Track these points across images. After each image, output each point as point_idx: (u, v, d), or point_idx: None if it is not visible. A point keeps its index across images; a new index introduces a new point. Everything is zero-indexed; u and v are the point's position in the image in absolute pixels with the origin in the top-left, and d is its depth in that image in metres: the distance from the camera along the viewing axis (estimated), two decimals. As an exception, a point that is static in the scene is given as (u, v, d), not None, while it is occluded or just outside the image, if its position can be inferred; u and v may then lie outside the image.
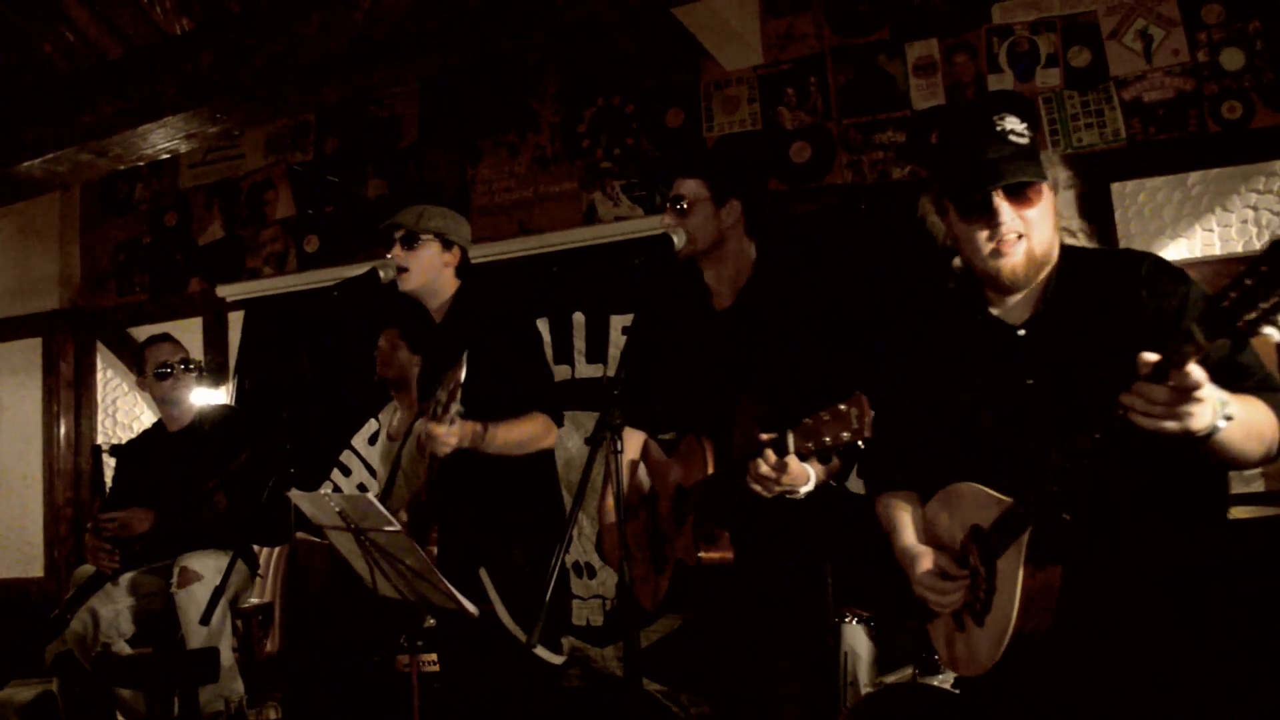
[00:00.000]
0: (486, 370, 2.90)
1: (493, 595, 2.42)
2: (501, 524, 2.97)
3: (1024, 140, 1.88)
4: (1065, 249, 1.96)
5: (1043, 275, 1.94)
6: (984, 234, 1.89)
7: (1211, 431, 1.56)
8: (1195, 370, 1.46)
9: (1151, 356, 1.51)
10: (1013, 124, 1.89)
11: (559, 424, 3.05)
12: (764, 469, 2.16)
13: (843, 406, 1.98)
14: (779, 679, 2.61)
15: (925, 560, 1.96)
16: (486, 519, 2.93)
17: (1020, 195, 1.87)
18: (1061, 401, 1.83)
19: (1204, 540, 1.85)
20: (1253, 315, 1.33)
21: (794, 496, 2.30)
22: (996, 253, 1.88)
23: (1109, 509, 1.81)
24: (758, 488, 2.22)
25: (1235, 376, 1.69)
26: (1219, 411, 1.56)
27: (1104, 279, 1.92)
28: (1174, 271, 1.90)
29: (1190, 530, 1.84)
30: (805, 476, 2.27)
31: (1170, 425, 1.53)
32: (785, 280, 2.67)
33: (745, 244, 2.70)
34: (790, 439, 2.09)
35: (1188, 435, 1.55)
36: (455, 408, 2.53)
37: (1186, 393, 1.49)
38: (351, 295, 3.01)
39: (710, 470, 2.45)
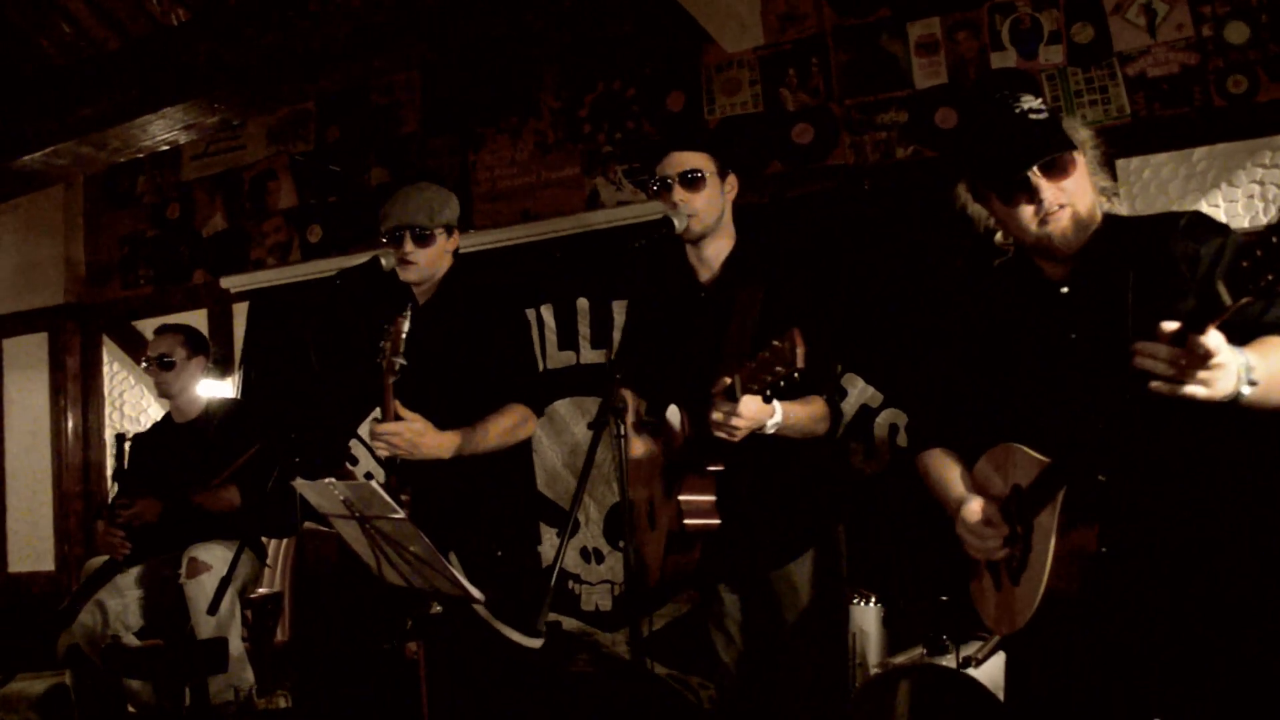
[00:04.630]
0: (468, 357, 2.89)
1: (463, 579, 2.43)
2: (472, 510, 2.97)
3: (1043, 115, 1.94)
4: (1108, 215, 2.00)
5: (1088, 235, 1.98)
6: (1029, 210, 1.94)
7: (1235, 398, 1.55)
8: (1213, 336, 1.45)
9: (1172, 325, 1.50)
10: (1030, 102, 1.96)
11: (539, 414, 3.04)
12: (717, 415, 2.29)
13: (777, 343, 2.08)
14: (787, 656, 2.62)
15: (973, 505, 1.99)
16: (456, 505, 2.93)
17: (1055, 169, 1.92)
18: (1103, 354, 1.83)
19: (1259, 514, 1.84)
20: (1276, 275, 1.31)
21: (764, 432, 2.38)
22: (1043, 223, 1.93)
23: (1149, 473, 1.81)
24: (722, 434, 2.31)
25: (1260, 325, 1.69)
26: (1243, 377, 1.54)
27: (1145, 234, 1.95)
28: (1212, 222, 1.91)
29: (1243, 501, 1.83)
30: (769, 412, 2.35)
31: (1192, 390, 1.51)
32: (763, 255, 2.71)
33: (732, 221, 2.76)
34: (737, 382, 2.20)
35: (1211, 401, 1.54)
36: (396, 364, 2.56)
37: (1206, 358, 1.47)
38: (354, 284, 3.00)
39: (687, 435, 2.54)
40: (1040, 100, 1.96)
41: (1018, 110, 1.94)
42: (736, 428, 2.29)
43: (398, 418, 2.71)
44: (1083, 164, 1.96)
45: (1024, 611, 1.85)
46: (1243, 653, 1.76)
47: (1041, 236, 1.94)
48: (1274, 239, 1.31)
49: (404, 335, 2.56)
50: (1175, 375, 1.51)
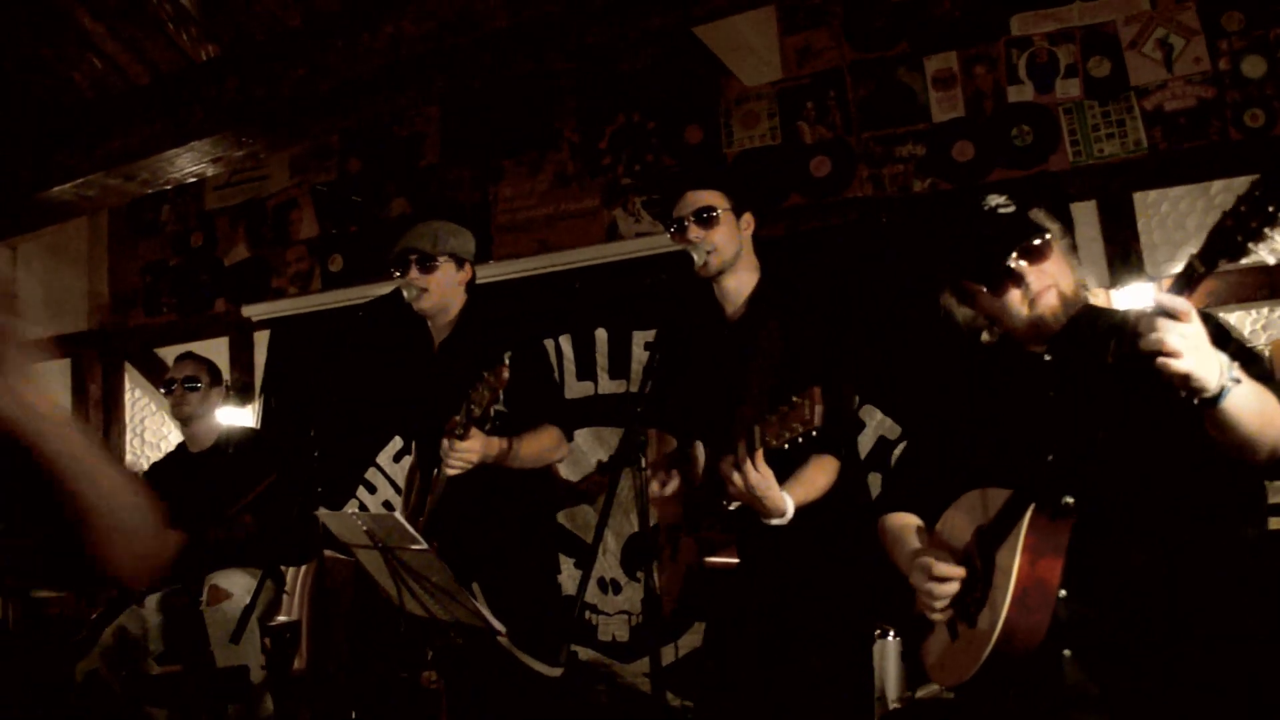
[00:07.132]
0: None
1: (484, 610, 2.44)
2: (496, 541, 2.99)
3: (1011, 209, 2.05)
4: (1088, 305, 2.07)
5: (1074, 311, 2.04)
6: (1017, 295, 2.02)
7: (1221, 393, 1.57)
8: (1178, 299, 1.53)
9: (1162, 294, 1.56)
10: (995, 200, 2.07)
11: (569, 437, 3.09)
12: (725, 469, 2.28)
13: (796, 399, 2.09)
14: (808, 694, 2.60)
15: (924, 558, 2.00)
16: (482, 535, 2.95)
17: (1035, 254, 2.01)
18: (1080, 407, 1.84)
19: (1230, 551, 1.82)
20: (1245, 235, 1.43)
21: (771, 522, 2.35)
22: (1033, 304, 2.01)
23: (1117, 500, 1.81)
24: (734, 490, 2.29)
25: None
26: (1226, 373, 1.57)
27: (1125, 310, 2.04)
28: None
29: (1215, 538, 1.82)
30: (782, 510, 2.32)
31: (1174, 363, 1.53)
32: (789, 290, 2.74)
33: (754, 255, 2.79)
34: (757, 433, 2.19)
35: (1198, 396, 1.57)
36: (492, 408, 2.57)
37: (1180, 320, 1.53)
38: (377, 315, 3.04)
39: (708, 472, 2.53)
40: (1005, 197, 2.07)
41: (986, 208, 2.05)
42: (752, 488, 2.28)
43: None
44: (1058, 247, 2.04)
45: (980, 651, 1.81)
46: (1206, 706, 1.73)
47: (1033, 318, 2.01)
48: (1241, 208, 1.42)
49: (505, 386, 2.60)
50: (1157, 342, 1.54)
